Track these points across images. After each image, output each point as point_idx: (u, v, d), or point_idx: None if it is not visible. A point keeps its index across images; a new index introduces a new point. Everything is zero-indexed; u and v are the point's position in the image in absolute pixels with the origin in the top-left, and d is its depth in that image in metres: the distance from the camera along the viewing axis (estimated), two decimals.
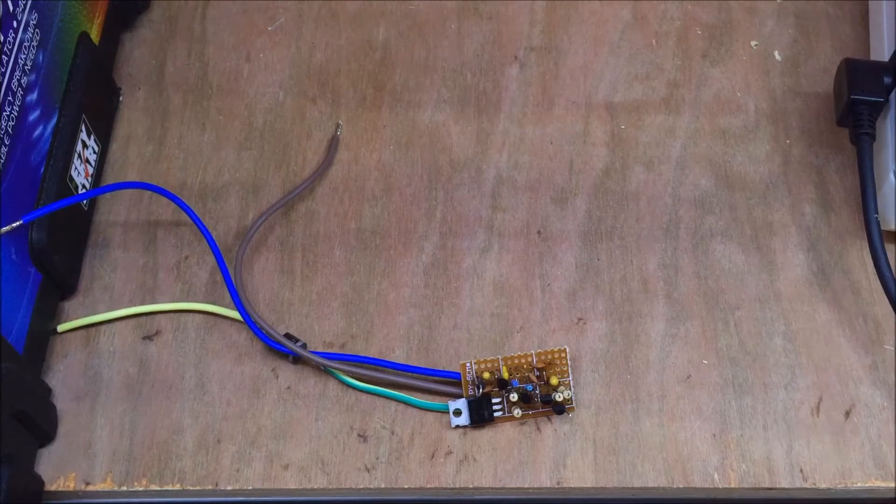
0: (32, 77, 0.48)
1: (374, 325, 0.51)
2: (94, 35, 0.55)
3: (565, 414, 0.49)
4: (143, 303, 0.52)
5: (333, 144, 0.56)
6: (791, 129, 0.57)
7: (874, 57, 0.56)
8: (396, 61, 0.59)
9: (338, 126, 0.57)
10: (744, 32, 0.60)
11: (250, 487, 0.47)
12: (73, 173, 0.51)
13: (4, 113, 0.46)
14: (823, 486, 0.47)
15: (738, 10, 0.61)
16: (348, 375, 0.49)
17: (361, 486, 0.47)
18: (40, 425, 0.47)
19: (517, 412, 0.48)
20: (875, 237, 0.50)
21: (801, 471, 0.48)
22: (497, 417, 0.48)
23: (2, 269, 0.46)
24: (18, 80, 0.47)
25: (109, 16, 0.57)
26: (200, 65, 0.59)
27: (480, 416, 0.48)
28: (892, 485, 0.47)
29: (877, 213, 0.50)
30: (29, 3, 0.48)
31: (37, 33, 0.49)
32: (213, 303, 0.52)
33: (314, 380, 0.50)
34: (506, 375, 0.48)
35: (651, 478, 0.47)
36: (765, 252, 0.53)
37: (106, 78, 0.57)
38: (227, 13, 0.61)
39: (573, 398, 0.49)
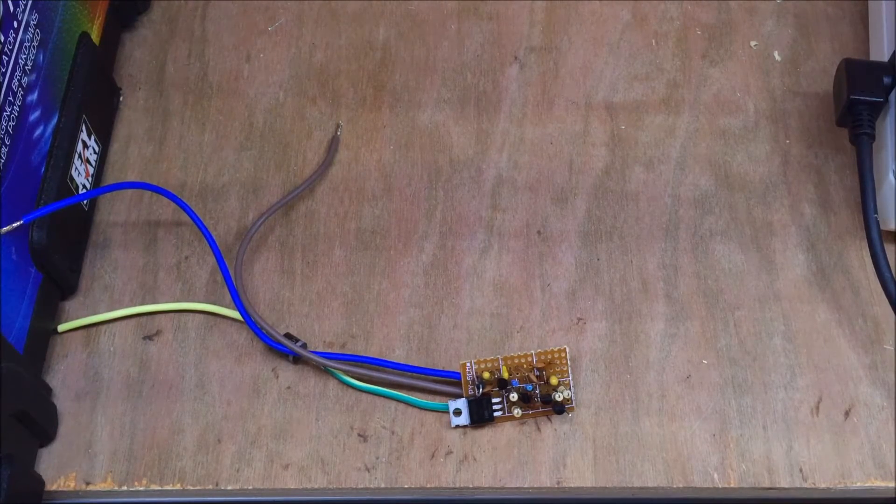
0: (33, 77, 0.48)
1: (374, 324, 0.51)
2: (95, 35, 0.55)
3: (565, 414, 0.49)
4: (143, 303, 0.52)
5: (333, 144, 0.56)
6: (791, 129, 0.57)
7: (874, 57, 0.56)
8: (396, 61, 0.59)
9: (338, 126, 0.57)
10: (743, 33, 0.60)
11: (250, 487, 0.47)
12: (74, 173, 0.51)
13: (5, 113, 0.46)
14: (823, 485, 0.47)
15: (737, 10, 0.61)
16: (348, 375, 0.49)
17: (361, 486, 0.47)
18: (41, 425, 0.47)
19: (517, 412, 0.48)
20: (875, 237, 0.50)
21: (801, 470, 0.48)
22: (497, 417, 0.48)
23: (2, 269, 0.46)
24: (19, 81, 0.47)
25: (110, 16, 0.57)
26: (200, 65, 0.59)
27: (480, 415, 0.48)
28: (892, 484, 0.47)
29: (876, 213, 0.50)
30: (29, 3, 0.48)
31: (37, 33, 0.49)
32: (214, 303, 0.52)
33: (314, 380, 0.50)
34: (506, 375, 0.48)
35: (651, 478, 0.47)
36: (765, 252, 0.53)
37: (106, 78, 0.57)
38: (227, 13, 0.61)
39: (573, 398, 0.49)
